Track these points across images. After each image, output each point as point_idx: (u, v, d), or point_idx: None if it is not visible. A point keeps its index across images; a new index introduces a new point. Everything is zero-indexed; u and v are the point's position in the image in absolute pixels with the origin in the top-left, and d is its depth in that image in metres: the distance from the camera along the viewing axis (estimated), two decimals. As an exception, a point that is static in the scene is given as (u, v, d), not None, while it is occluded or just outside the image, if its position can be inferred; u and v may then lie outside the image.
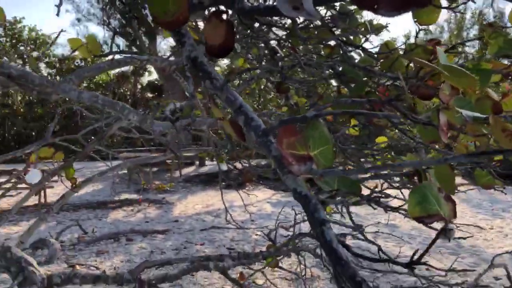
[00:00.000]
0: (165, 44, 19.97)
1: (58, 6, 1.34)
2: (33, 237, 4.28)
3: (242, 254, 2.18)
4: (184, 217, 7.02)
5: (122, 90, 19.92)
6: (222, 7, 0.73)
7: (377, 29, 1.89)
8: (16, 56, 18.70)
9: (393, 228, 5.95)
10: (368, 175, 1.33)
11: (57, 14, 1.33)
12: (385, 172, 1.36)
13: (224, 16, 0.77)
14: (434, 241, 0.74)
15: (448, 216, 0.71)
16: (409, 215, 0.72)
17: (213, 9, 0.81)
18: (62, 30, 2.33)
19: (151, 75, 21.64)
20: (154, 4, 0.55)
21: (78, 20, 18.28)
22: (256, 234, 5.70)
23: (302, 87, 2.60)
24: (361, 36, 2.07)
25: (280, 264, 2.77)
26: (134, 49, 16.36)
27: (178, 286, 3.64)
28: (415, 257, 0.74)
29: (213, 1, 0.72)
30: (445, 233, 0.75)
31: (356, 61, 1.71)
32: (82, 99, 1.90)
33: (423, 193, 0.72)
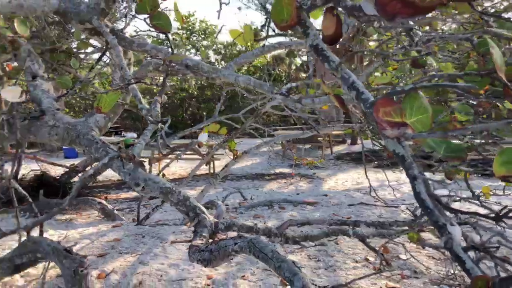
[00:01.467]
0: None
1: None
2: (205, 199, 5.16)
3: (377, 222, 2.32)
4: (333, 192, 7.28)
5: (277, 71, 21.04)
6: (332, 5, 0.93)
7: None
8: (190, 46, 21.66)
9: None
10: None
11: (218, 18, 1.69)
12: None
13: (335, 12, 0.97)
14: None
15: (535, 177, 0.78)
16: (495, 173, 0.82)
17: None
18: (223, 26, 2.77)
19: (304, 56, 22.19)
20: (275, 15, 0.80)
21: (239, 8, 19.86)
22: (403, 211, 5.60)
23: (447, 60, 2.53)
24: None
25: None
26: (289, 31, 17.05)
27: (324, 251, 3.94)
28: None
29: (324, 1, 0.92)
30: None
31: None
32: (238, 82, 2.31)
33: (510, 155, 0.80)
